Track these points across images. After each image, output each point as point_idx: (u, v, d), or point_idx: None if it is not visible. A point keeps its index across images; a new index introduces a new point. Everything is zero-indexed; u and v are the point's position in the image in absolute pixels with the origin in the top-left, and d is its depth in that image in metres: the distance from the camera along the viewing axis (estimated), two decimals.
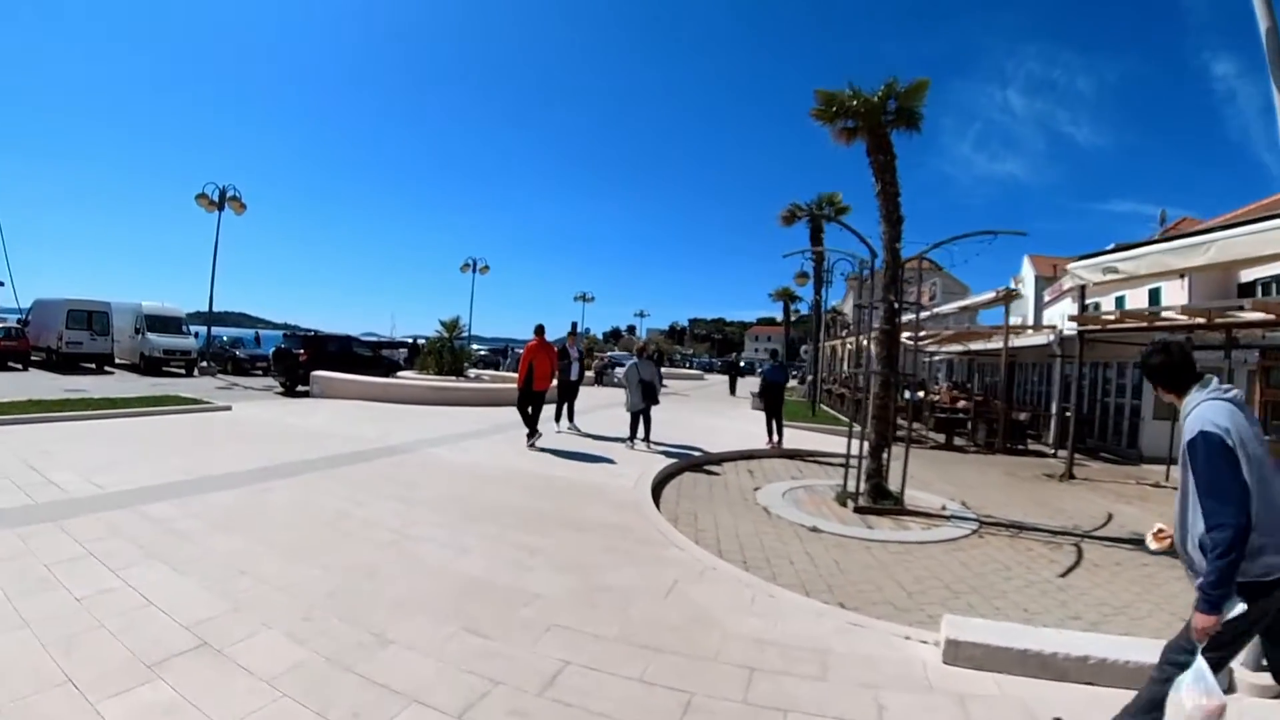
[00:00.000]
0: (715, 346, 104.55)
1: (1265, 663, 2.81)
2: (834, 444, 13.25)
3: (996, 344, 17.38)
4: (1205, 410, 2.51)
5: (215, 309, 21.77)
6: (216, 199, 20.94)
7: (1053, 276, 31.11)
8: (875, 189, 8.61)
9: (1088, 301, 23.19)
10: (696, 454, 10.55)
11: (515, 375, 22.23)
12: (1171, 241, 9.62)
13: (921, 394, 17.27)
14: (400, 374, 19.06)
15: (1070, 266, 12.69)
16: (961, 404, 17.06)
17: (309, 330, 24.32)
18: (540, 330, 11.14)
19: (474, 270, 33.39)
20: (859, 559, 5.90)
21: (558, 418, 11.95)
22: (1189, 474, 2.51)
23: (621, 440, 11.09)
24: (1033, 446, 15.11)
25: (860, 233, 9.23)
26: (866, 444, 8.24)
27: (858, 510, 7.69)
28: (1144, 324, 11.57)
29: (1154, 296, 20.61)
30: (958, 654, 3.67)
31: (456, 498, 6.58)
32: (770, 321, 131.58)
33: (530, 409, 10.46)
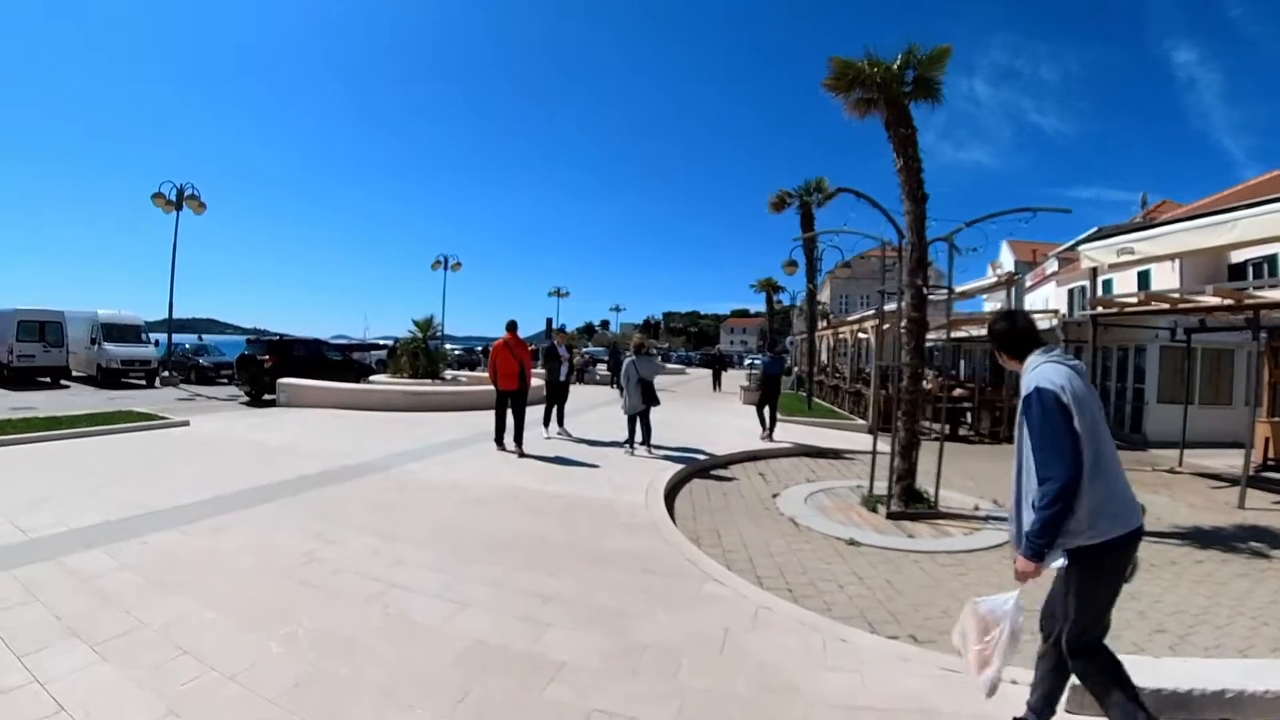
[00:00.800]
0: (691, 340, 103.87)
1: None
2: (839, 439, 12.63)
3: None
4: (1044, 369, 2.58)
5: (180, 315, 20.42)
6: (174, 199, 19.57)
7: (1032, 262, 30.86)
8: (896, 164, 7.91)
9: (1067, 287, 22.83)
10: (701, 457, 9.74)
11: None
12: (1193, 221, 9.02)
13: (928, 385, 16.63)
14: (373, 379, 17.94)
15: (1082, 248, 12.09)
16: (957, 392, 16.47)
17: (275, 335, 22.97)
18: (512, 327, 10.08)
19: (445, 268, 32.11)
20: (911, 576, 5.24)
21: (546, 422, 11.04)
22: (1024, 431, 2.57)
23: (617, 445, 10.24)
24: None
25: (869, 217, 8.45)
26: (895, 442, 7.57)
27: (891, 516, 7.04)
28: (1166, 306, 11.01)
29: (1143, 279, 20.21)
30: (1084, 700, 2.90)
31: (446, 528, 5.63)
32: (744, 314, 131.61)
33: (505, 411, 9.62)
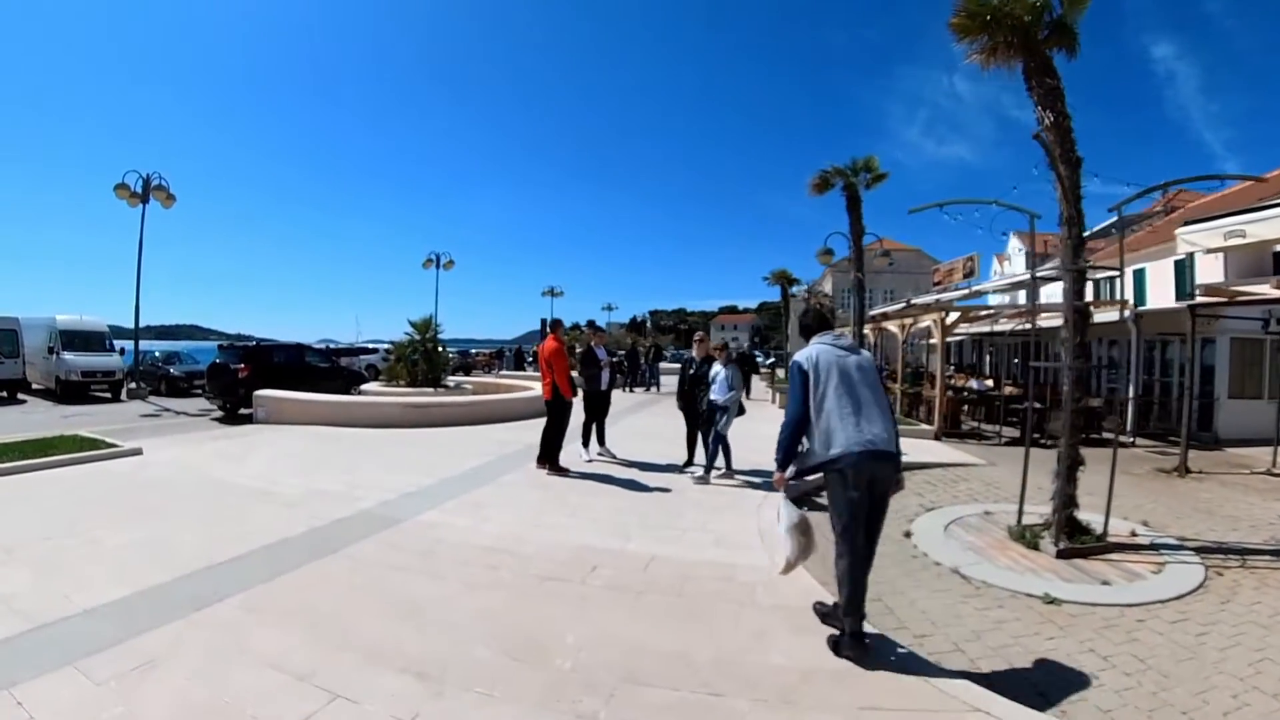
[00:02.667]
0: (680, 337, 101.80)
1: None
2: (910, 449, 10.68)
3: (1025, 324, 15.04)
4: (807, 349, 3.62)
5: (161, 321, 18.14)
6: (140, 190, 17.16)
7: (1044, 253, 29.20)
8: (1043, 122, 6.06)
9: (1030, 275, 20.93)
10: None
11: (507, 383, 19.18)
12: None
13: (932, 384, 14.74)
14: (365, 388, 15.70)
15: (1180, 232, 10.42)
16: (1009, 390, 14.63)
17: (257, 341, 20.42)
18: (555, 327, 8.50)
19: (438, 266, 29.77)
20: (1156, 648, 3.85)
21: (585, 441, 8.94)
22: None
23: (674, 467, 8.25)
24: (1108, 435, 12.75)
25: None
26: (1060, 463, 5.93)
27: (1062, 555, 5.51)
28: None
29: (1179, 270, 18.44)
30: None
31: (518, 642, 3.50)
32: (733, 310, 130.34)
33: (562, 428, 7.98)
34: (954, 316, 12.62)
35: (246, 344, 17.93)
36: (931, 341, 26.76)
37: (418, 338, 15.21)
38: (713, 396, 7.56)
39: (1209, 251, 10.95)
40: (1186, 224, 10.72)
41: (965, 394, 13.53)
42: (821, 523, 3.70)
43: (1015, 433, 12.50)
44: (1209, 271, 16.97)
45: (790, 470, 3.58)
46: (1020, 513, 6.18)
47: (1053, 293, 25.70)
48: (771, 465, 3.83)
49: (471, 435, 10.70)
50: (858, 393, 3.40)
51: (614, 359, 9.79)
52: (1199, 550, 5.77)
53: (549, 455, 7.87)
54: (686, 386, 8.25)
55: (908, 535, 6.22)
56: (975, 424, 12.93)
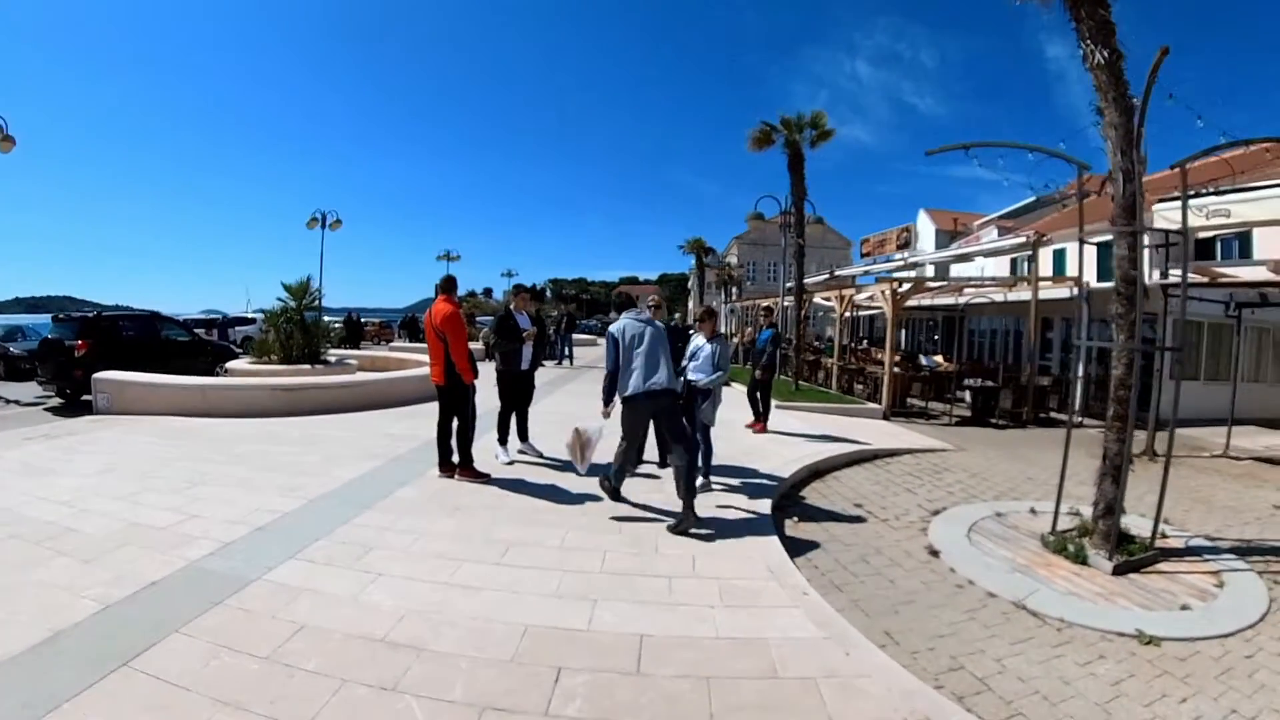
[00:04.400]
0: (583, 307, 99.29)
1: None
2: (862, 430, 9.46)
3: (993, 298, 14.35)
4: (619, 322, 5.07)
5: (33, 294, 14.07)
6: None
7: (954, 230, 29.44)
8: (1090, 60, 5.00)
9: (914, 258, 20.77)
10: (766, 482, 6.21)
11: (399, 358, 16.47)
12: None
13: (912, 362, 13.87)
14: (232, 365, 12.85)
15: (1157, 208, 9.68)
16: (945, 366, 13.92)
17: (117, 310, 16.27)
18: (450, 287, 6.18)
19: (323, 226, 26.13)
20: None
21: (503, 437, 6.85)
22: None
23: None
24: (1055, 415, 12.19)
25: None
26: (1106, 461, 5.14)
27: (1118, 570, 4.69)
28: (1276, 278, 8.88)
29: (1103, 252, 18.46)
30: None
31: None
32: (634, 280, 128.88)
33: (457, 421, 5.99)
34: (907, 288, 11.52)
35: (85, 314, 14.39)
36: (833, 315, 26.36)
37: (293, 304, 12.50)
38: (691, 376, 5.85)
39: (1194, 230, 10.37)
40: (1162, 200, 10.02)
41: (917, 372, 12.58)
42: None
43: (966, 412, 11.67)
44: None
45: (614, 404, 5.08)
46: (1055, 518, 5.37)
47: (966, 269, 25.77)
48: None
49: (355, 426, 8.45)
50: (646, 350, 4.88)
51: (545, 329, 7.49)
52: (1235, 552, 5.27)
53: (462, 459, 5.94)
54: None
55: (935, 554, 5.05)
56: (923, 403, 12.00)
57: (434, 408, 6.00)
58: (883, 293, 11.44)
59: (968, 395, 12.35)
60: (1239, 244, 16.37)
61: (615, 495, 5.29)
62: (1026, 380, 11.76)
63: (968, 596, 4.26)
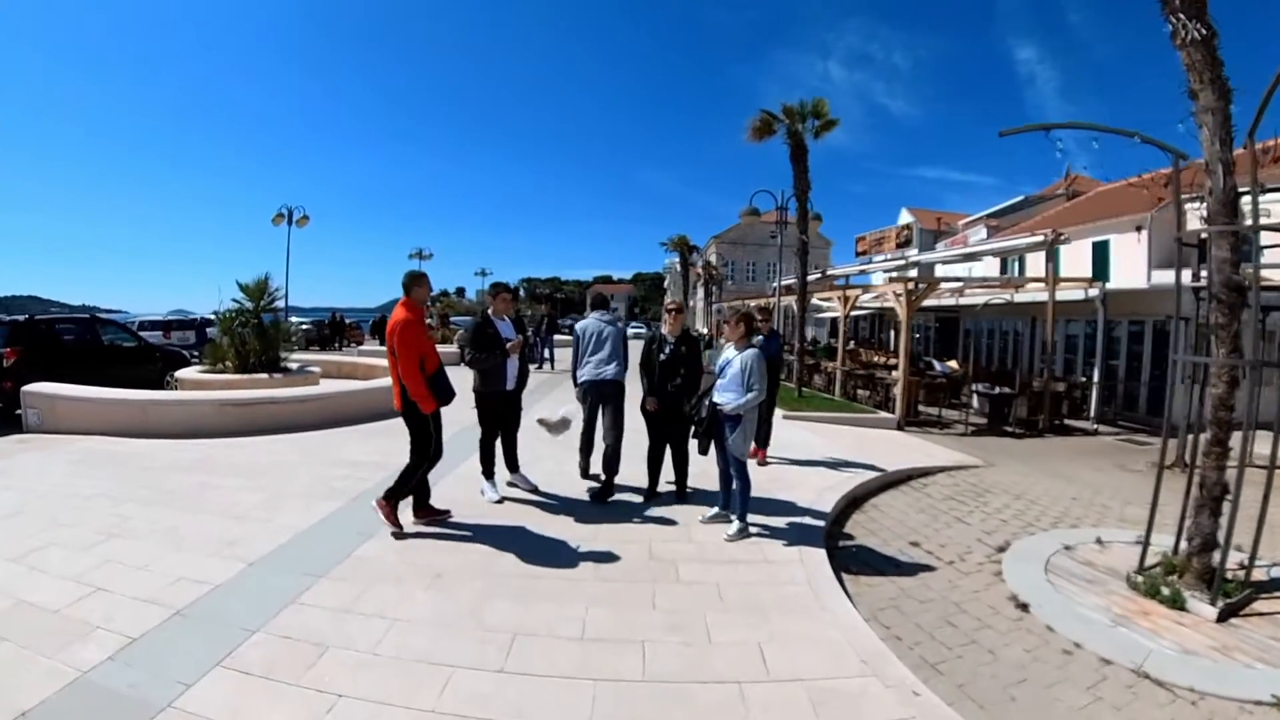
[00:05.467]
0: (557, 307, 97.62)
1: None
2: (880, 445, 8.60)
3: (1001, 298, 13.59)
4: (584, 320, 5.79)
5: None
6: None
7: (938, 230, 28.89)
8: (1182, 36, 4.25)
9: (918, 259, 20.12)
10: (807, 521, 5.24)
11: (368, 364, 15.01)
12: None
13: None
14: (181, 374, 11.49)
15: (1192, 206, 8.96)
16: (955, 370, 13.14)
17: (85, 312, 14.37)
18: (416, 284, 4.77)
19: (290, 222, 24.57)
20: None
21: (488, 470, 5.60)
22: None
23: (626, 507, 5.48)
24: (1069, 422, 11.47)
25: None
26: (1201, 490, 4.40)
27: (1222, 617, 3.98)
28: None
29: (1099, 251, 17.74)
30: None
31: None
32: (608, 279, 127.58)
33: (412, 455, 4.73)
34: (923, 288, 10.67)
35: (16, 318, 12.86)
36: (820, 316, 25.59)
37: (249, 306, 11.19)
38: (717, 399, 4.83)
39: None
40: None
41: (932, 378, 11.75)
42: None
43: (980, 420, 10.87)
44: (1129, 258, 16.30)
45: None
46: (1143, 557, 4.57)
47: (952, 268, 25.17)
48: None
49: (314, 451, 7.23)
50: (600, 346, 5.62)
51: (528, 337, 6.13)
52: None
53: (391, 493, 4.71)
54: (656, 379, 5.44)
55: (1023, 607, 4.18)
56: (936, 411, 11.17)
57: (402, 423, 4.87)
58: (894, 293, 10.59)
59: (974, 400, 11.63)
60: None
61: (585, 472, 6.13)
62: (1042, 386, 10.98)
63: (1080, 666, 3.46)
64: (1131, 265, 15.75)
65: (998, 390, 10.50)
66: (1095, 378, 11.76)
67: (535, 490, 5.73)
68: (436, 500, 5.01)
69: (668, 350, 5.45)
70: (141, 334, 23.90)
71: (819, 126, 11.49)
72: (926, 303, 15.63)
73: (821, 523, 5.25)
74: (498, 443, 5.67)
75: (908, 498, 6.67)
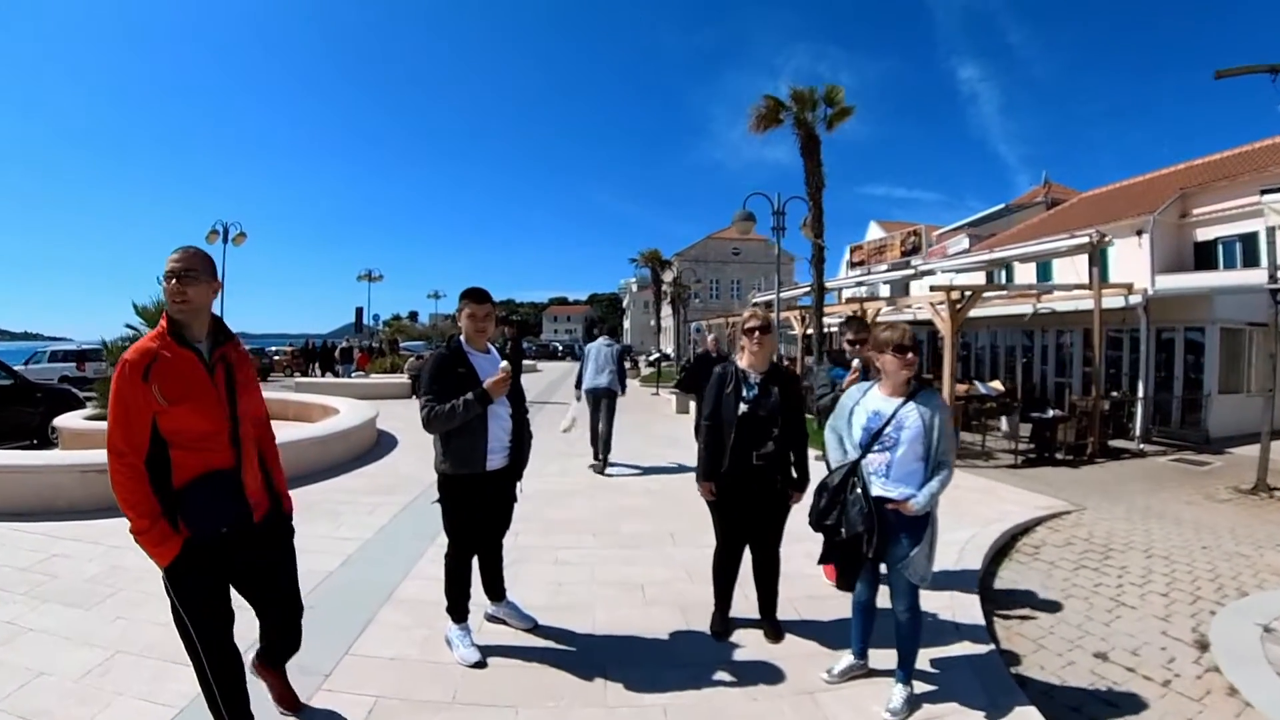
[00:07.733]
0: (515, 328, 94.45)
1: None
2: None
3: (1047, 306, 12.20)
4: (594, 343, 8.08)
5: None
6: None
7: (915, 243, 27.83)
8: None
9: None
10: (970, 650, 3.41)
11: (299, 401, 12.48)
12: None
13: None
14: (61, 422, 9.04)
15: (1266, 200, 7.88)
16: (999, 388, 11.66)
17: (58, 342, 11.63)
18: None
19: (225, 240, 22.01)
20: None
21: (458, 608, 3.33)
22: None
23: (670, 656, 3.59)
24: (1114, 443, 10.06)
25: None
26: None
27: None
28: None
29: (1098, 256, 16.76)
30: None
31: None
32: (563, 301, 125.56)
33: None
34: (969, 296, 9.06)
35: None
36: (791, 332, 24.02)
37: (138, 333, 8.87)
38: (877, 491, 2.82)
39: None
40: (1265, 192, 8.12)
41: (980, 402, 10.16)
42: None
43: (1028, 447, 9.33)
44: (1129, 262, 15.35)
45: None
46: None
47: (930, 280, 24.03)
48: None
49: None
50: (598, 363, 7.73)
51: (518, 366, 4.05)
52: None
53: (268, 658, 2.76)
54: (731, 445, 3.35)
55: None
56: (981, 439, 9.60)
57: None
58: (933, 304, 9.00)
59: (1003, 424, 10.16)
60: (1241, 246, 15.00)
61: (596, 455, 7.85)
62: (1091, 405, 9.53)
63: None
64: (1132, 270, 14.78)
65: (1052, 413, 9.01)
66: (1141, 392, 10.42)
67: (533, 624, 3.58)
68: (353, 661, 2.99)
69: (751, 395, 3.38)
70: (47, 365, 21.01)
71: (832, 115, 9.96)
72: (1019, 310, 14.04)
73: (984, 648, 3.43)
74: (475, 560, 3.45)
75: (1033, 573, 4.95)
